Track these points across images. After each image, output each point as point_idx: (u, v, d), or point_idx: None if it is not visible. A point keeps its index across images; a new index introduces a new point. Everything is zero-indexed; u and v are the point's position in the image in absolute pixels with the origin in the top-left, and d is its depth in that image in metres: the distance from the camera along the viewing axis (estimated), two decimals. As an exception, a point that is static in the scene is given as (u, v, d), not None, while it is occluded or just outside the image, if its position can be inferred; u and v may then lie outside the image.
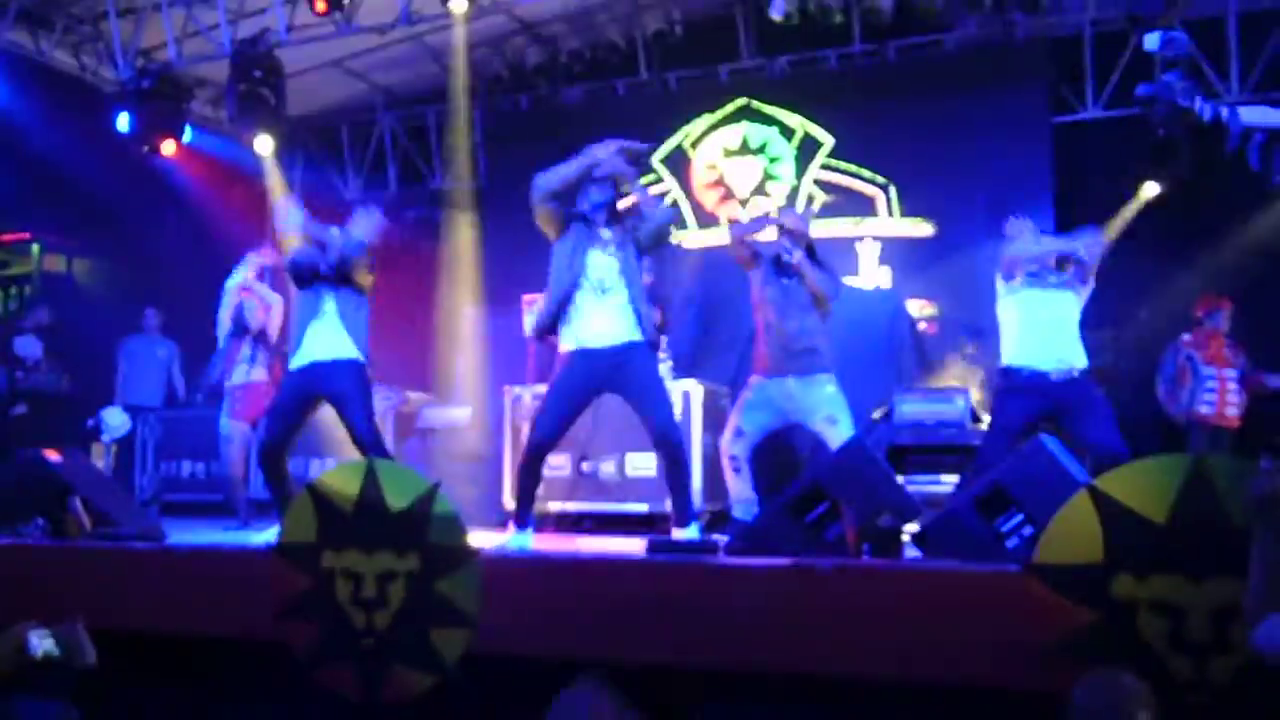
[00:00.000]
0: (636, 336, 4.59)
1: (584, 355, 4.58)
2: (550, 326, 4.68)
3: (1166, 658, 3.05)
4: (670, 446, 4.58)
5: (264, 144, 9.00)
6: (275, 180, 9.18)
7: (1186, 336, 6.99)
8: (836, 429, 5.04)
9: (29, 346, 8.46)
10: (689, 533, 4.62)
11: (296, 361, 5.07)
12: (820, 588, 3.50)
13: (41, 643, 2.70)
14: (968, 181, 8.04)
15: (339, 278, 5.08)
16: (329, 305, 5.06)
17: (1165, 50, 6.24)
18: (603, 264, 4.61)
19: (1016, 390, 4.98)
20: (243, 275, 6.52)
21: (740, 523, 5.02)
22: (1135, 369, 7.27)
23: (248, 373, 6.41)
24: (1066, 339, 5.00)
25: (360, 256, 5.07)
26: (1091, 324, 7.36)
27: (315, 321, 5.06)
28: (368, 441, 4.88)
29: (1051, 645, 3.13)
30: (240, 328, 6.46)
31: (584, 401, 4.67)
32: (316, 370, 5.02)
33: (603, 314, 4.58)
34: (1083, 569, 3.16)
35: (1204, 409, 6.86)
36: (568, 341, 4.61)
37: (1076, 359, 4.97)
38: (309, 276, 5.09)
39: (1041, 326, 4.99)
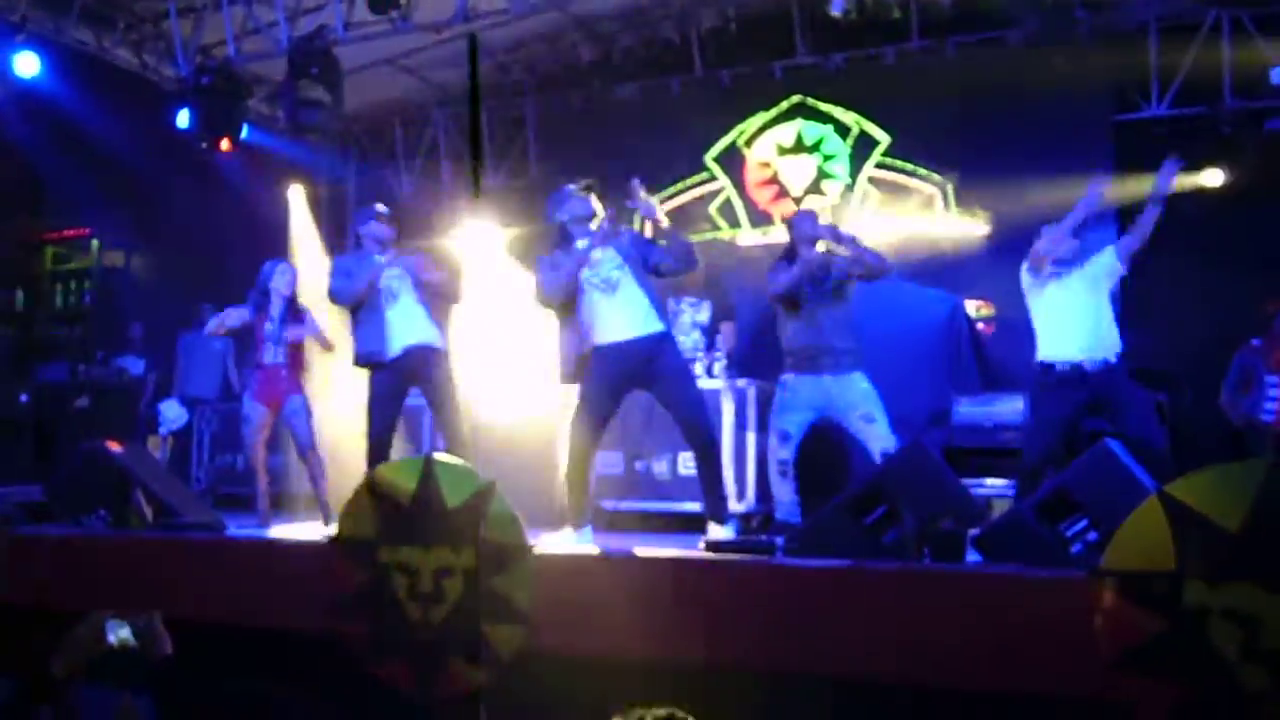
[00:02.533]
0: (658, 326, 4.63)
1: (605, 352, 4.65)
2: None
3: (1238, 668, 2.97)
4: (699, 435, 4.63)
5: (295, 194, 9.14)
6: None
7: (1256, 342, 6.85)
8: (874, 428, 5.01)
9: (137, 366, 8.66)
10: (725, 531, 4.62)
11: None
12: (879, 591, 3.46)
13: (118, 632, 2.73)
14: (1028, 180, 7.92)
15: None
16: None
17: None
18: (603, 260, 4.69)
19: (1053, 384, 5.02)
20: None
21: (789, 524, 5.00)
22: (1195, 373, 7.13)
23: (272, 354, 6.11)
24: (1098, 329, 5.02)
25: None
26: (1151, 327, 7.30)
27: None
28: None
29: (1119, 653, 3.06)
30: (263, 302, 6.16)
31: (614, 399, 4.72)
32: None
33: (616, 310, 4.65)
34: (1153, 576, 3.08)
35: (1265, 416, 6.71)
36: (590, 344, 4.70)
37: (1109, 348, 5.00)
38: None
39: (1072, 318, 5.03)
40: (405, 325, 5.43)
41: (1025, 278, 5.21)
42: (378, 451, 5.29)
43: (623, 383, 4.70)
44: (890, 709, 3.48)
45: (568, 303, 4.75)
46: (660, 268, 4.76)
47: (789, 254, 5.32)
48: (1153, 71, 8.04)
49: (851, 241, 5.21)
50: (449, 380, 5.49)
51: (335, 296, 5.52)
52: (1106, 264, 5.12)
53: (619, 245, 4.76)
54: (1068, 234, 5.06)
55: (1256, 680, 2.95)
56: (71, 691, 2.87)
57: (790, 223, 5.53)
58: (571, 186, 4.86)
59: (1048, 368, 5.05)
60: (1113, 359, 4.98)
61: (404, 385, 5.45)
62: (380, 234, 5.59)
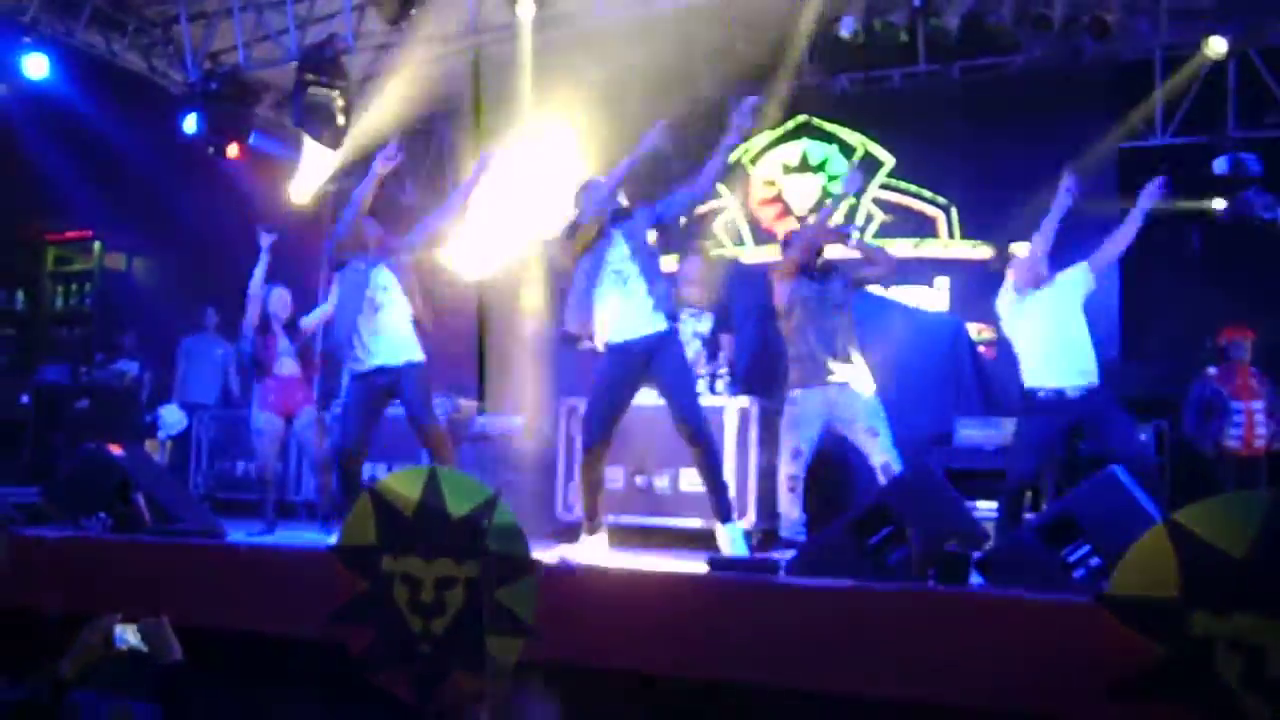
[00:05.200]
0: (661, 325, 4.71)
1: (613, 350, 4.75)
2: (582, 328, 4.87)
3: (1242, 697, 2.98)
4: (693, 432, 4.69)
5: None
6: None
7: (1213, 370, 7.09)
8: (877, 441, 5.02)
9: (132, 368, 8.66)
10: (732, 532, 4.65)
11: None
12: (883, 611, 3.46)
13: (127, 636, 2.72)
14: (1031, 205, 7.93)
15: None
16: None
17: (1235, 173, 6.44)
18: (615, 250, 4.76)
19: (1037, 410, 5.09)
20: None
21: (792, 542, 5.00)
22: (1167, 398, 7.19)
23: (280, 365, 6.26)
24: (1076, 352, 5.05)
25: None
26: (1152, 354, 7.38)
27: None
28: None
29: (1123, 680, 3.06)
30: (266, 322, 6.29)
31: (623, 396, 4.79)
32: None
33: (624, 307, 4.73)
34: (1158, 603, 3.09)
35: (1232, 442, 6.98)
36: (604, 340, 4.80)
37: (1089, 372, 5.04)
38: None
39: (1050, 344, 5.07)
40: (387, 339, 5.27)
41: (1006, 298, 5.27)
42: (346, 462, 5.20)
43: (629, 380, 4.78)
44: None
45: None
46: (667, 217, 4.89)
47: (804, 269, 5.34)
48: (1157, 99, 8.09)
49: (860, 244, 5.27)
50: (427, 391, 5.36)
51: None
52: (1077, 278, 5.17)
53: (630, 229, 4.80)
54: (1050, 235, 5.16)
55: (1259, 709, 2.96)
56: (69, 695, 2.85)
57: (787, 242, 5.60)
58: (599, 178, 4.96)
59: (1031, 393, 5.12)
60: (1095, 382, 5.02)
61: (381, 398, 5.32)
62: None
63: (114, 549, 4.61)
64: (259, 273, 6.25)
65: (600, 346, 4.80)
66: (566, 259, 4.86)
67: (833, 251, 5.55)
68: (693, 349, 6.32)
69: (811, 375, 5.14)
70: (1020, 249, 5.35)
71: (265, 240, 6.29)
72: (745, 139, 4.92)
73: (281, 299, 6.33)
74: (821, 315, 5.17)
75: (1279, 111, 7.71)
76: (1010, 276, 5.27)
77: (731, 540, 4.69)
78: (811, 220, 8.66)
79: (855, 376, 5.13)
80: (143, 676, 2.83)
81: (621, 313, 4.74)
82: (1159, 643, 3.07)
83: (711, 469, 4.73)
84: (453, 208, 5.52)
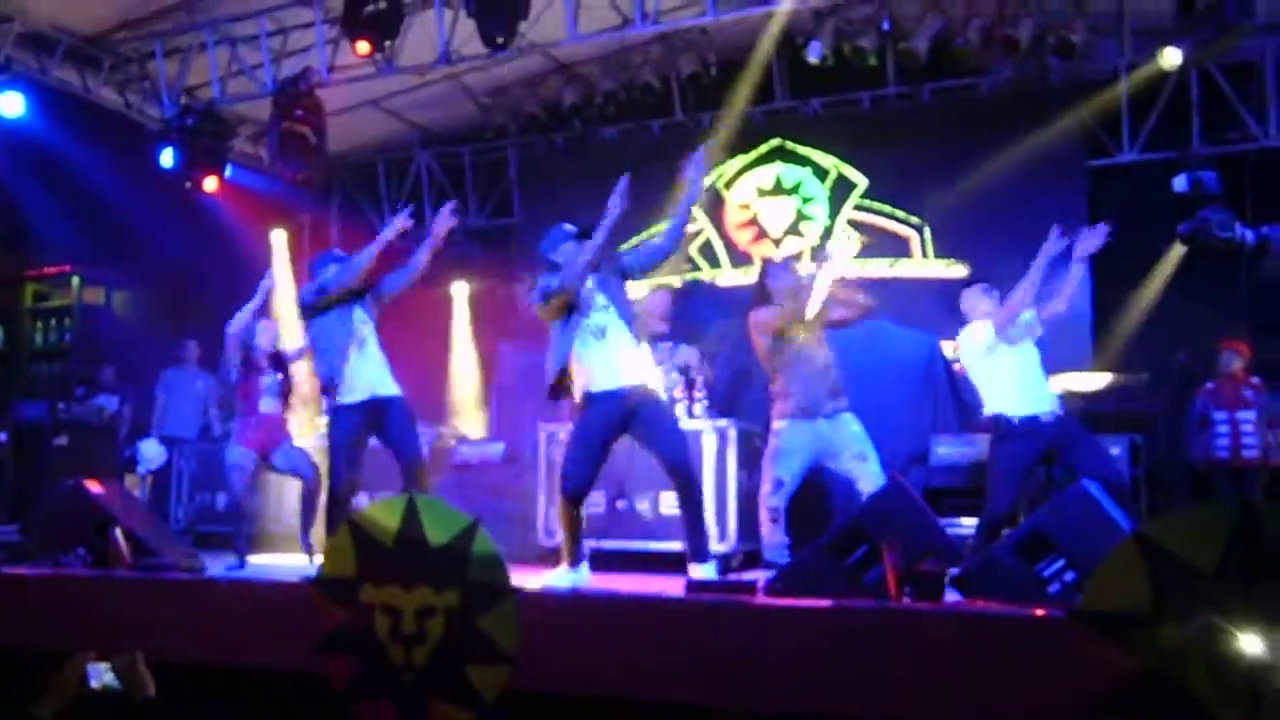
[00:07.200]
0: (644, 376, 4.69)
1: (599, 399, 4.66)
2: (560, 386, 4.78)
3: (1215, 709, 3.01)
4: (680, 474, 4.65)
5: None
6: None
7: (1210, 384, 7.19)
8: (867, 466, 5.01)
9: (111, 403, 8.64)
10: (705, 570, 4.62)
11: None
12: (861, 630, 3.49)
13: (100, 675, 2.72)
14: (1002, 224, 8.05)
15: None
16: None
17: (1194, 191, 6.61)
18: (593, 302, 4.71)
19: (1010, 437, 5.12)
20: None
21: (777, 564, 5.01)
22: (1172, 415, 7.26)
23: (270, 404, 6.22)
24: (1042, 381, 5.23)
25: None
26: (1133, 367, 7.47)
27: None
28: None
29: (1098, 693, 3.09)
30: (251, 362, 6.22)
31: (607, 445, 4.74)
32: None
33: (607, 357, 4.67)
34: (1129, 617, 3.12)
35: (1220, 453, 7.08)
36: (585, 390, 4.69)
37: (1054, 399, 5.24)
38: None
39: (1031, 375, 5.19)
40: (375, 371, 5.35)
41: (985, 338, 5.21)
42: (341, 495, 5.22)
43: (610, 428, 4.71)
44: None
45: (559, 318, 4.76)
46: (633, 272, 4.87)
47: (763, 298, 5.34)
48: (1124, 118, 8.20)
49: (840, 284, 5.24)
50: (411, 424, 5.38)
51: None
52: (1029, 323, 5.22)
53: (604, 284, 4.76)
54: (1036, 285, 5.13)
55: None
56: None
57: (764, 272, 5.57)
58: (567, 226, 4.91)
59: (1005, 421, 5.15)
60: (1059, 409, 5.16)
61: (366, 431, 5.35)
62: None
63: (94, 585, 4.59)
64: (248, 309, 6.15)
65: (579, 398, 4.70)
66: (547, 317, 4.81)
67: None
68: (670, 379, 6.35)
69: (799, 410, 5.12)
70: (973, 296, 5.38)
71: (268, 282, 6.31)
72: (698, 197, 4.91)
73: (268, 332, 6.27)
74: (809, 349, 5.16)
75: (1243, 126, 7.84)
76: (987, 321, 5.23)
77: (705, 574, 4.68)
78: (788, 242, 8.74)
79: (844, 407, 5.14)
80: (117, 713, 2.83)
81: (605, 364, 4.67)
82: (1131, 657, 3.10)
83: (694, 511, 4.70)
84: (420, 264, 5.50)
